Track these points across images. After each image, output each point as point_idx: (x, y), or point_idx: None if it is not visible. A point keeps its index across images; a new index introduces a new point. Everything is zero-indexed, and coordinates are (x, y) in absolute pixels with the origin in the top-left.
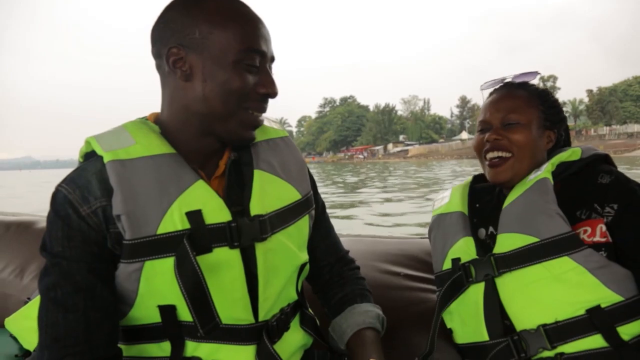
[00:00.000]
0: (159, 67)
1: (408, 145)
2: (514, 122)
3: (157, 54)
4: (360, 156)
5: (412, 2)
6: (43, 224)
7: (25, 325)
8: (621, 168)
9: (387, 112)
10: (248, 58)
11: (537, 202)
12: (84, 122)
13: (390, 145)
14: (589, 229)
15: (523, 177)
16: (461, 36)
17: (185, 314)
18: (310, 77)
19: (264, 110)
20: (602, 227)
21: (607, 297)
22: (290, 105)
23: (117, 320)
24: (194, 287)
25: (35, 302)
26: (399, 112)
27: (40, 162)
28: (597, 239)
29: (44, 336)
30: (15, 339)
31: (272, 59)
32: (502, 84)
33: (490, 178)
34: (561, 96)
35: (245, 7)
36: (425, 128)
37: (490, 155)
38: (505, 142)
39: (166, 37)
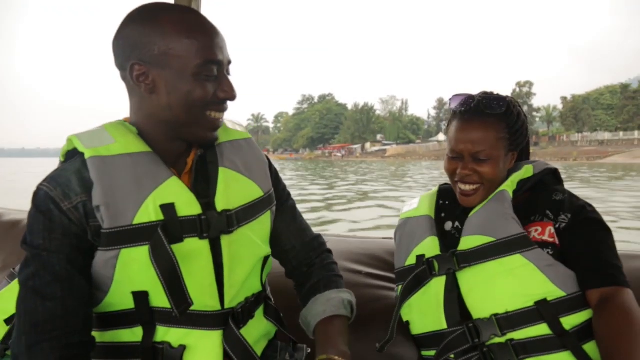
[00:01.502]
0: (124, 78)
1: (386, 145)
2: (484, 158)
3: (120, 66)
4: (338, 154)
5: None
6: (8, 216)
7: None
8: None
9: (366, 112)
10: (206, 70)
11: (496, 208)
12: (51, 111)
13: (368, 145)
14: (540, 229)
15: (489, 196)
16: (440, 36)
17: (157, 300)
18: (288, 72)
19: (224, 110)
20: (550, 229)
21: (552, 292)
22: (267, 101)
23: (91, 308)
24: (169, 272)
25: (2, 294)
26: (377, 112)
27: (5, 150)
28: (546, 238)
29: (23, 322)
30: None
31: (229, 63)
32: (471, 106)
33: (462, 203)
34: (536, 102)
35: (199, 19)
36: (402, 128)
37: (461, 186)
38: (475, 178)
39: (127, 52)
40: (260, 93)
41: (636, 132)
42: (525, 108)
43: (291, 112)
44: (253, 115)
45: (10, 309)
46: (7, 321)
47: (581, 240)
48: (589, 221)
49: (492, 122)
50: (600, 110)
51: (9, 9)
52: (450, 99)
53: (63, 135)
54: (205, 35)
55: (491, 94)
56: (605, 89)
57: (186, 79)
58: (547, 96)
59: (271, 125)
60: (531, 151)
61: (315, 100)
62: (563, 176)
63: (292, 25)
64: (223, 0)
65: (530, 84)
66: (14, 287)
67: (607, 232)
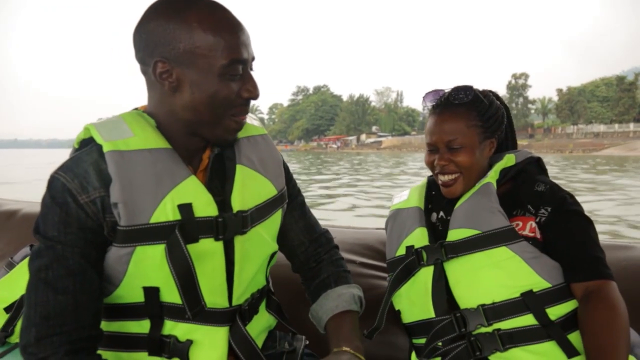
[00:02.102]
0: (144, 72)
1: (381, 136)
2: (457, 146)
3: (141, 60)
4: (334, 146)
5: None
6: (5, 207)
7: None
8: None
9: (361, 103)
10: (232, 69)
11: (482, 201)
12: (44, 102)
13: (363, 136)
14: (520, 224)
15: (472, 186)
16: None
17: (168, 296)
18: (282, 63)
19: (247, 112)
20: (532, 224)
21: (538, 283)
22: (261, 92)
23: (101, 302)
24: (184, 273)
25: (1, 282)
26: (373, 103)
27: None
28: (526, 233)
29: (33, 313)
30: None
31: (253, 59)
32: (441, 101)
33: (444, 194)
34: (530, 94)
35: (225, 15)
36: (398, 120)
37: (441, 178)
38: (452, 167)
39: (149, 48)
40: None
41: (632, 125)
42: (520, 100)
43: (286, 103)
44: (257, 118)
45: (9, 297)
46: (7, 309)
47: (562, 234)
48: (569, 214)
49: (461, 112)
50: (596, 103)
51: (6, 2)
52: (423, 97)
53: (56, 127)
54: (232, 33)
55: (459, 86)
56: (601, 81)
57: (211, 79)
58: (540, 88)
59: (266, 117)
60: (526, 143)
61: (310, 91)
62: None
63: (285, 16)
64: None
65: (525, 75)
66: (13, 276)
67: (589, 223)
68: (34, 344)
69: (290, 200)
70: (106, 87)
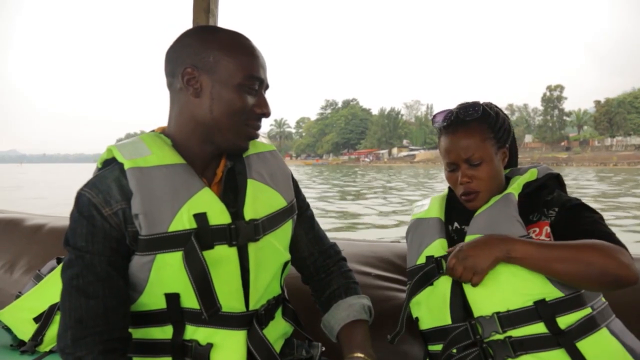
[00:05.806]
0: (170, 85)
1: (413, 149)
2: (477, 161)
3: (171, 72)
4: (366, 159)
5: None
6: (32, 221)
7: (19, 316)
8: None
9: (393, 117)
10: (249, 83)
11: (502, 210)
12: (71, 118)
13: (395, 150)
14: (538, 229)
15: (492, 197)
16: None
17: (187, 301)
18: (310, 78)
19: (259, 127)
20: (547, 229)
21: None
22: (288, 106)
23: (129, 306)
24: (200, 277)
25: (28, 296)
26: (403, 117)
27: (27, 156)
28: (543, 238)
29: (68, 318)
30: (9, 330)
31: (267, 87)
32: (452, 119)
33: (469, 208)
34: (567, 106)
35: (249, 41)
36: (429, 133)
37: (463, 195)
38: (474, 185)
39: (182, 58)
40: (281, 98)
41: None
42: (555, 112)
43: (313, 117)
44: (276, 120)
45: (38, 307)
46: (36, 319)
47: (572, 224)
48: (576, 207)
49: (473, 127)
50: (635, 114)
51: (47, 28)
52: (432, 118)
53: (83, 142)
54: (253, 55)
55: (466, 103)
56: None
57: (230, 88)
58: (571, 98)
59: (293, 131)
60: (565, 156)
61: (339, 105)
62: None
63: (313, 30)
64: (241, 7)
65: (561, 87)
66: (41, 288)
67: (596, 213)
68: (70, 345)
69: (300, 213)
70: (129, 108)
